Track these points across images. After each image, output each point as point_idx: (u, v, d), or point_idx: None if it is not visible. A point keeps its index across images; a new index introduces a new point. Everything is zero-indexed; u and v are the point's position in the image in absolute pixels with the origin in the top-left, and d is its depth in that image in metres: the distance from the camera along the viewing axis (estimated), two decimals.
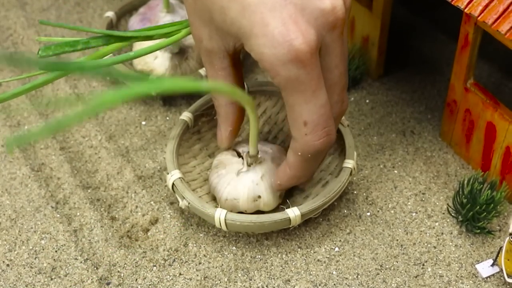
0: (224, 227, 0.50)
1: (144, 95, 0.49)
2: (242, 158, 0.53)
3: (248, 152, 0.52)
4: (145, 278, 0.51)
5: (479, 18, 0.47)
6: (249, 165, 0.52)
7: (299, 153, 0.47)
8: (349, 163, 0.53)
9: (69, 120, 0.35)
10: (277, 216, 0.50)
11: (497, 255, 0.50)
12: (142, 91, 0.37)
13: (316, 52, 0.43)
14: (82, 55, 0.51)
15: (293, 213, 0.50)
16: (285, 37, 0.42)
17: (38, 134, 0.39)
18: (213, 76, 0.49)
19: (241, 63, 0.50)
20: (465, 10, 0.48)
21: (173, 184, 0.52)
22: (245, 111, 0.50)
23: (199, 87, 0.43)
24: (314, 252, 0.53)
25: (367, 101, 0.64)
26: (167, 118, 0.63)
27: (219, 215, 0.50)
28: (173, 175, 0.52)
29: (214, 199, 0.54)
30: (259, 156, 0.52)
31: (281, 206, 0.53)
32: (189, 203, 0.51)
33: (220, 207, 0.51)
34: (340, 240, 0.53)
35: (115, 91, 0.36)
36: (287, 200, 0.53)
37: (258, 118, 0.49)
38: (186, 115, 0.56)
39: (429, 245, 0.53)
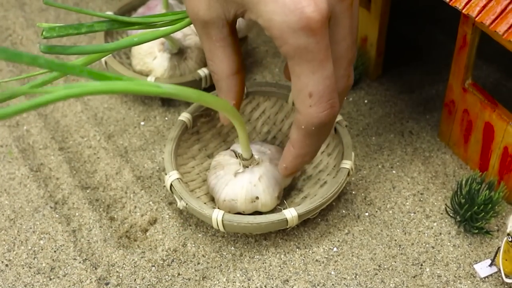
0: (221, 228, 0.50)
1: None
2: (240, 159, 0.53)
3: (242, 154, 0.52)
4: (143, 278, 0.51)
5: (477, 18, 0.47)
6: (246, 166, 0.52)
7: (303, 127, 0.45)
8: (347, 164, 0.53)
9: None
10: (274, 217, 0.50)
11: (495, 255, 0.50)
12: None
13: (327, 22, 0.42)
14: (82, 56, 0.51)
15: (290, 214, 0.50)
16: (297, 4, 0.41)
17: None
18: (211, 49, 0.48)
19: (237, 32, 0.49)
20: (463, 11, 0.48)
21: (171, 185, 0.52)
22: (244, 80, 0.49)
23: (156, 90, 0.41)
24: (312, 252, 0.53)
25: (366, 101, 0.64)
26: (166, 118, 0.63)
27: (216, 216, 0.50)
28: (171, 176, 0.52)
29: (213, 199, 0.54)
30: (256, 157, 0.52)
31: (278, 207, 0.53)
32: (186, 204, 0.51)
33: (219, 208, 0.51)
34: (338, 240, 0.53)
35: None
36: (285, 201, 0.53)
37: (243, 122, 0.48)
38: (184, 116, 0.56)
39: (427, 245, 0.53)
